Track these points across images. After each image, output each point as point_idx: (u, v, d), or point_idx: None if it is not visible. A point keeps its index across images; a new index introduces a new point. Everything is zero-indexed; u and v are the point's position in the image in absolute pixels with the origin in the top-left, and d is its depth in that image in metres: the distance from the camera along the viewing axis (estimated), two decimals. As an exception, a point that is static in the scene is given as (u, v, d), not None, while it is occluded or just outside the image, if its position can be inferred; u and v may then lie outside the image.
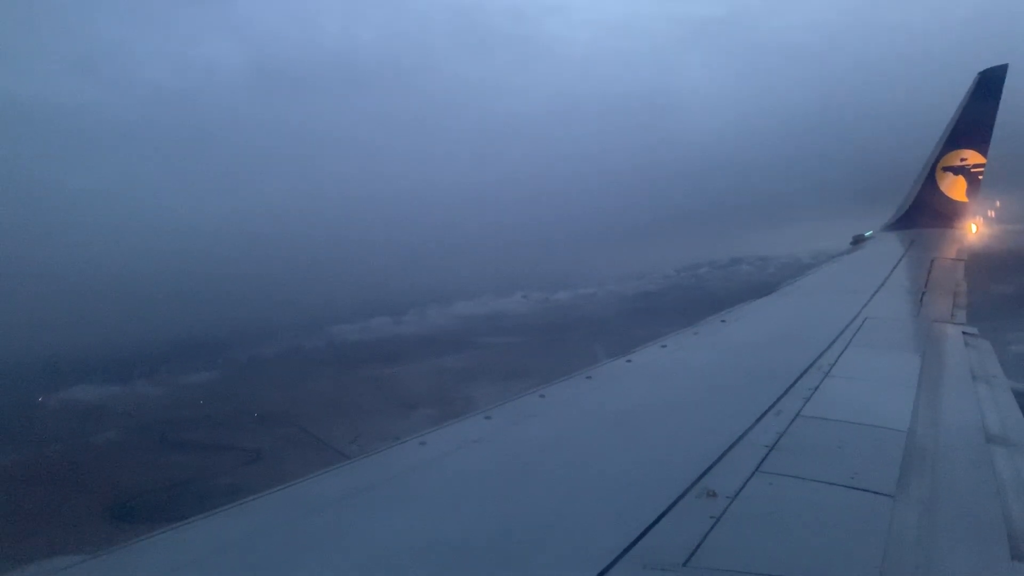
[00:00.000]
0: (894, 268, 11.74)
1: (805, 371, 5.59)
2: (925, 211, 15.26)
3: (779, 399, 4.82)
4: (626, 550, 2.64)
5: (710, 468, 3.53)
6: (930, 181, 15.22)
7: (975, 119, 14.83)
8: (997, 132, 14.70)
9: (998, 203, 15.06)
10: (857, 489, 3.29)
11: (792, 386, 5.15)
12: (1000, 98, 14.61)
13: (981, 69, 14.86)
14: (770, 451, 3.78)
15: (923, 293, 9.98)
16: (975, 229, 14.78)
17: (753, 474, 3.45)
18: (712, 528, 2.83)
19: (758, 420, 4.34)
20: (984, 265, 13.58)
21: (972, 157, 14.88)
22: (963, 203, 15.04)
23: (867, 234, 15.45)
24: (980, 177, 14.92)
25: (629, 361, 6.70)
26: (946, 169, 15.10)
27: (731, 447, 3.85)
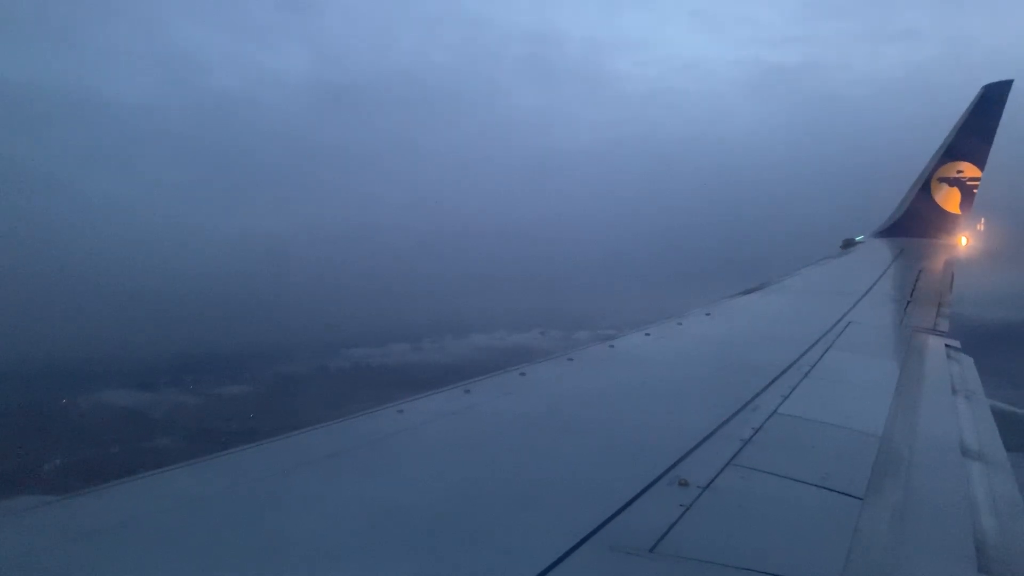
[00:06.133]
0: (882, 275, 11.78)
1: (785, 370, 5.61)
2: (917, 220, 15.24)
3: (757, 395, 4.83)
4: (594, 532, 2.63)
5: (684, 457, 3.53)
6: (925, 190, 15.21)
7: (975, 132, 14.80)
8: (996, 147, 14.74)
9: (983, 219, 15.09)
10: (828, 489, 3.30)
11: (771, 383, 5.17)
12: (1002, 113, 14.59)
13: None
14: (745, 445, 3.79)
15: (908, 302, 10.04)
16: (965, 242, 14.81)
17: (726, 466, 3.45)
18: (681, 516, 2.83)
19: (735, 414, 4.35)
20: (972, 279, 13.64)
21: (969, 170, 14.87)
22: (956, 215, 15.04)
23: (857, 239, 15.42)
24: (975, 190, 14.92)
25: (612, 347, 6.71)
26: (942, 180, 15.09)
27: (706, 438, 3.85)
